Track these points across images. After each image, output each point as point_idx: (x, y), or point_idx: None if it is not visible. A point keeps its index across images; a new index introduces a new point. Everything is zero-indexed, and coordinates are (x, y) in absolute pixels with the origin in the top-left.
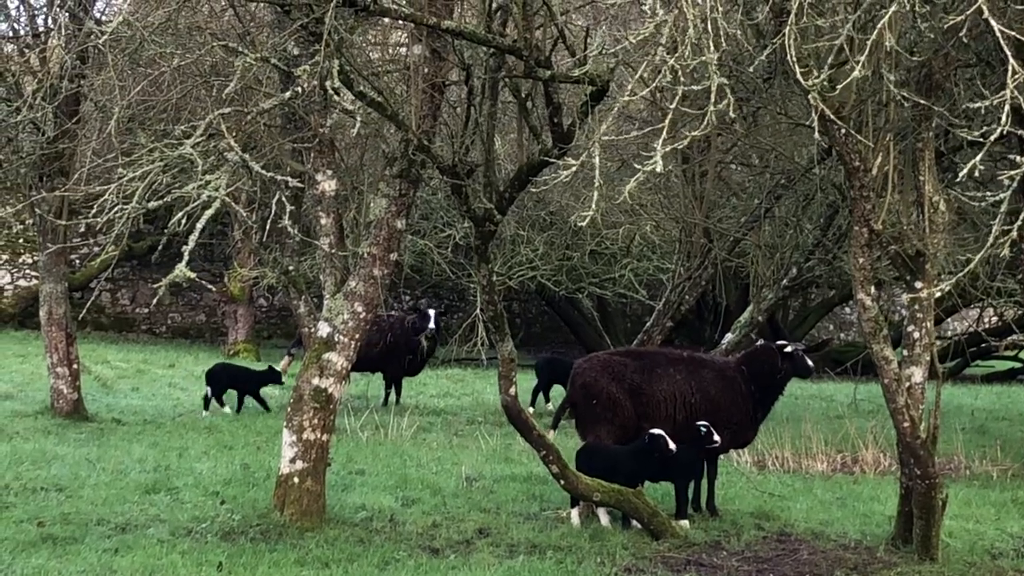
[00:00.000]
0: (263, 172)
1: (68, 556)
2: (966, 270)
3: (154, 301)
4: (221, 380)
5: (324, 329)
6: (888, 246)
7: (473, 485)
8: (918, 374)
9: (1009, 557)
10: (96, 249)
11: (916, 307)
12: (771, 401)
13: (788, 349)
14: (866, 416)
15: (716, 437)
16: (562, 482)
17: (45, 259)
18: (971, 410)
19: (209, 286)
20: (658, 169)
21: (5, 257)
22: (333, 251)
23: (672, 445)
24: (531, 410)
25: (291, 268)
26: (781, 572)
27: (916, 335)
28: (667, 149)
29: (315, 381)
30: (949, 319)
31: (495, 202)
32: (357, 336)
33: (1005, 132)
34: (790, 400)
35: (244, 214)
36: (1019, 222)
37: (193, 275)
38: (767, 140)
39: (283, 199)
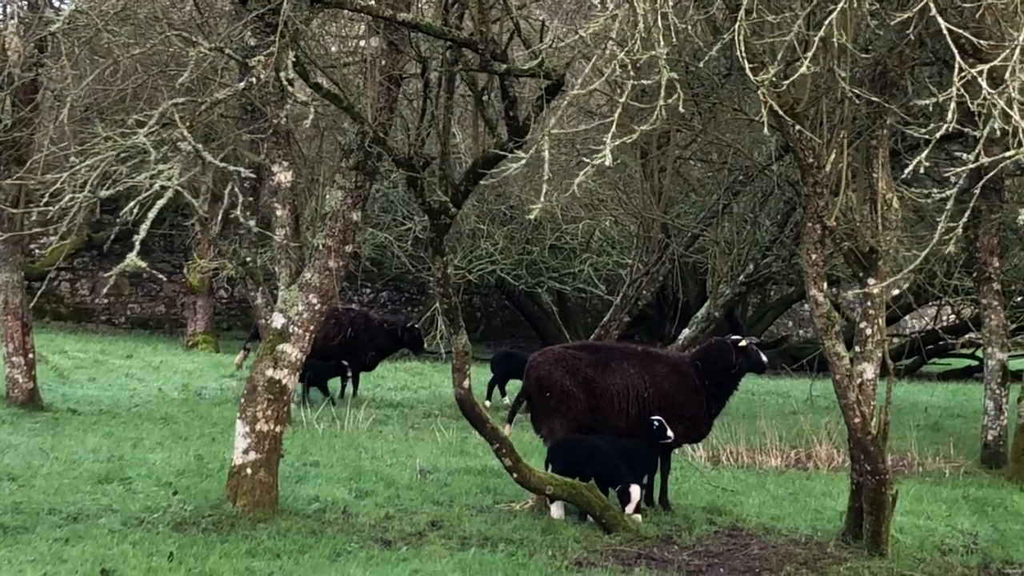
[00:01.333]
0: (216, 162)
1: (18, 545)
2: (913, 265)
3: (104, 290)
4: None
5: (279, 320)
6: (841, 243)
7: (427, 478)
8: (870, 370)
9: (958, 553)
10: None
11: (868, 304)
12: (725, 396)
13: (743, 344)
14: (821, 412)
15: (669, 433)
16: (515, 475)
17: (1, 247)
18: (924, 407)
19: (161, 276)
20: (607, 162)
21: None
22: (288, 242)
23: None
24: (487, 404)
25: (248, 259)
26: (731, 567)
27: (868, 331)
28: (616, 143)
29: (269, 372)
30: (907, 317)
31: (450, 195)
32: (312, 327)
33: (953, 129)
34: (746, 396)
35: (196, 203)
36: (964, 219)
37: (144, 264)
38: (725, 137)
39: (236, 189)
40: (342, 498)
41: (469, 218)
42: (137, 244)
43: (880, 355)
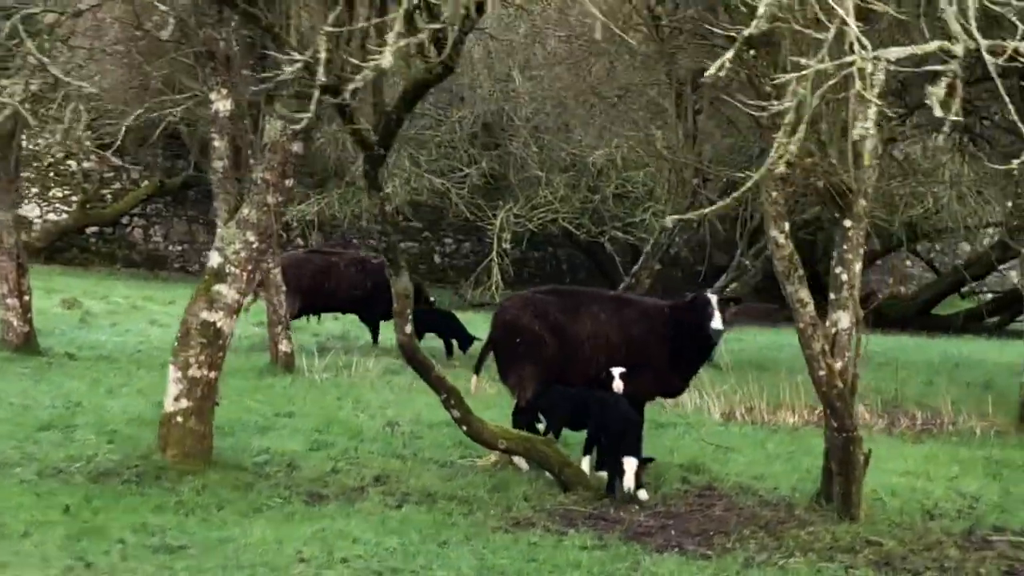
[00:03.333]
0: (63, 77)
1: None
2: (742, 189)
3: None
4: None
5: (215, 259)
6: (812, 180)
7: (395, 430)
8: (844, 319)
9: (947, 518)
10: (128, 184)
11: (844, 247)
12: (697, 353)
13: (711, 300)
14: (874, 369)
15: (617, 384)
16: (464, 428)
17: None
18: (956, 363)
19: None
20: (384, 64)
21: (35, 190)
22: (226, 176)
23: None
24: None
25: None
26: (683, 528)
27: (843, 277)
28: (402, 43)
29: (203, 315)
30: (1011, 271)
31: (382, 124)
32: (250, 267)
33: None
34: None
35: (35, 122)
36: (795, 135)
37: None
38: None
39: (79, 108)
40: (294, 450)
41: (530, 165)
42: None
43: (855, 303)
